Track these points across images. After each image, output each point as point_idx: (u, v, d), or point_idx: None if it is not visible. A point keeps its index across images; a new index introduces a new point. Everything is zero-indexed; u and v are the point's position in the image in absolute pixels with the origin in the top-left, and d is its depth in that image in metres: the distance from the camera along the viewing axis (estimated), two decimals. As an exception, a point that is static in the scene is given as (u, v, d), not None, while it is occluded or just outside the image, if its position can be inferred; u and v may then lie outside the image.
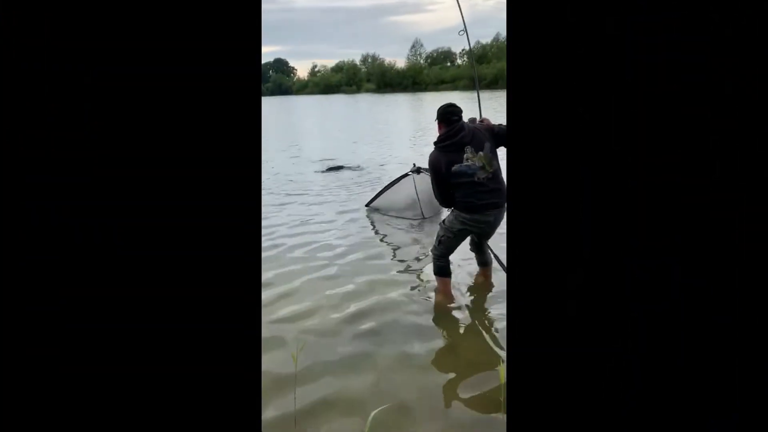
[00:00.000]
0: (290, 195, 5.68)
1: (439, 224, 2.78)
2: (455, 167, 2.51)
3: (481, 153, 2.51)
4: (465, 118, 2.70)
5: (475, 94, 3.46)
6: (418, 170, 4.50)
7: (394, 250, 3.61)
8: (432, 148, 2.66)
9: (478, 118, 2.78)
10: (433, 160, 2.62)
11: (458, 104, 2.66)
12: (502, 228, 2.57)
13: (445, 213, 3.04)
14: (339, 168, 7.31)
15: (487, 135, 2.57)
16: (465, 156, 2.51)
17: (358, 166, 7.40)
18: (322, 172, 7.20)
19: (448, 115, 2.62)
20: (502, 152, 2.47)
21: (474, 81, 3.70)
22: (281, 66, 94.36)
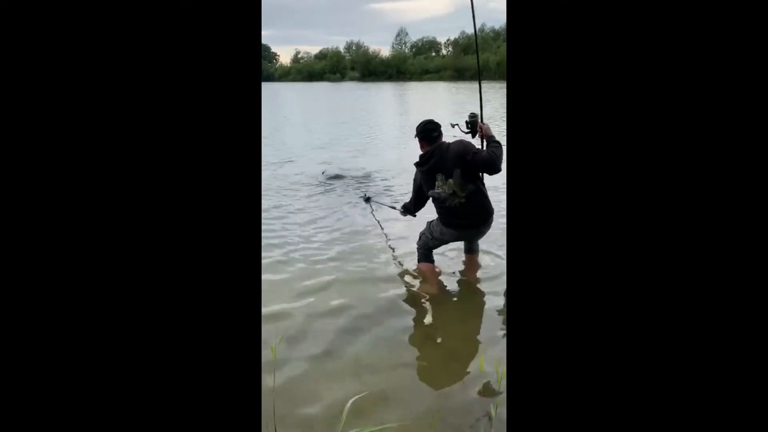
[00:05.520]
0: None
1: (427, 222, 2.82)
2: (430, 192, 2.63)
3: (450, 180, 2.52)
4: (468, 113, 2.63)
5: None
6: (367, 199, 4.54)
7: (377, 239, 3.60)
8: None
9: (479, 116, 2.62)
10: (415, 175, 2.76)
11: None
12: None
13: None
14: None
15: (458, 161, 2.48)
16: (436, 183, 2.56)
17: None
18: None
19: (428, 133, 2.61)
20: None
21: (478, 74, 3.20)
22: (263, 52, 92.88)
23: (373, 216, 4.02)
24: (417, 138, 2.66)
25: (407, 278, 2.89)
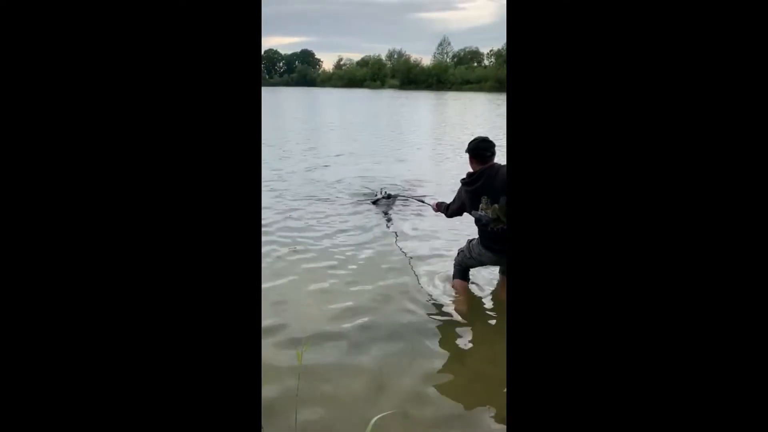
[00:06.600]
0: None
1: (467, 240, 2.77)
2: (473, 212, 2.56)
3: (495, 205, 2.44)
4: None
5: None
6: (388, 196, 4.39)
7: (407, 254, 3.56)
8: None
9: None
10: (459, 191, 2.65)
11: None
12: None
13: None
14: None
15: (506, 187, 2.37)
16: (480, 206, 2.48)
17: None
18: None
19: (480, 152, 2.48)
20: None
21: None
22: (307, 57, 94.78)
23: (388, 223, 3.93)
24: (468, 154, 2.55)
25: (436, 295, 2.84)
